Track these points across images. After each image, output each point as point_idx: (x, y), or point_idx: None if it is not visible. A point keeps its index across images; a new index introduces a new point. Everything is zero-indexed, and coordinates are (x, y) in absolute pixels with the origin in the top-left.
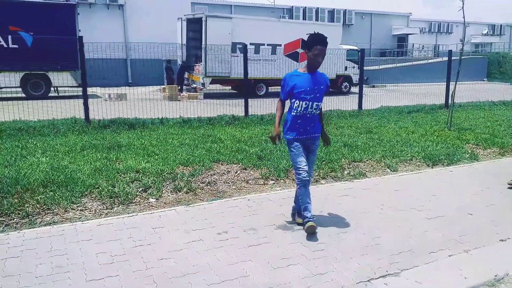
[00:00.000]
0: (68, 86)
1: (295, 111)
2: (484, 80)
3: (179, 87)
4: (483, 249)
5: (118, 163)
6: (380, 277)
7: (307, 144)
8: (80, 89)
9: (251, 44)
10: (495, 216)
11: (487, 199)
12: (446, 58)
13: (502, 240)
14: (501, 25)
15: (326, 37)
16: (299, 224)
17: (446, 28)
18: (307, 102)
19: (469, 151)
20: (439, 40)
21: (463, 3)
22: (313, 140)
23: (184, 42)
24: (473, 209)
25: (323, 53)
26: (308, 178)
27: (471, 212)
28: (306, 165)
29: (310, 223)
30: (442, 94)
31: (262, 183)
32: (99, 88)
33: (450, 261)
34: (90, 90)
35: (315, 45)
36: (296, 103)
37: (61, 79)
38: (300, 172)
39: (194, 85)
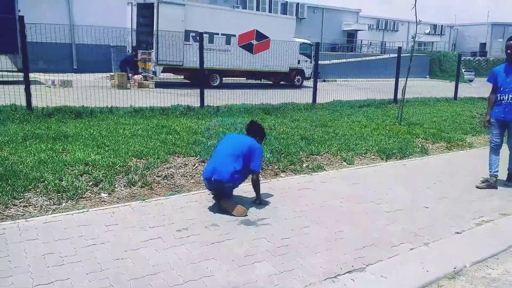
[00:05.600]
0: (6, 71)
1: None
2: (426, 77)
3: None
4: (441, 242)
5: (65, 155)
6: (347, 272)
7: None
8: (21, 74)
9: (205, 33)
10: (448, 209)
11: (439, 192)
12: (393, 55)
13: (458, 233)
14: (442, 25)
15: None
16: None
17: (393, 26)
18: None
19: (420, 145)
20: (386, 37)
21: (415, 1)
22: None
23: (134, 27)
24: (428, 202)
25: None
26: None
27: (426, 205)
28: None
29: None
30: (391, 89)
31: None
32: (42, 73)
33: (411, 254)
34: (32, 76)
35: None
36: None
37: None
38: None
39: (145, 73)
